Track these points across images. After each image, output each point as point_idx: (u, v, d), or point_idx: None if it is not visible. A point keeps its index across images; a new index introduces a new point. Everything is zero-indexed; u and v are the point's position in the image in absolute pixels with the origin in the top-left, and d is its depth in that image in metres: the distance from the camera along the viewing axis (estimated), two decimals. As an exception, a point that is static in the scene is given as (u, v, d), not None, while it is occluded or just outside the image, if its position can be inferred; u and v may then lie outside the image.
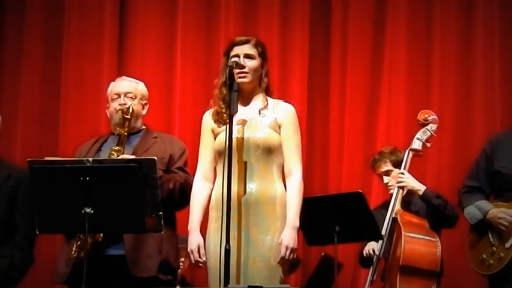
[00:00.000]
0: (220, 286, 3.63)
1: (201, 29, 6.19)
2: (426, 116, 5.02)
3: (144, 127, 4.45)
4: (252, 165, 3.87)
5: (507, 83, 5.80)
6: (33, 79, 6.17)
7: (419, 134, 4.98)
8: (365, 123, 6.01)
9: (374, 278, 4.83)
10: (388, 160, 5.06)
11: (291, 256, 3.79)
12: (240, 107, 3.89)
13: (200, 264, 3.90)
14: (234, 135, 3.82)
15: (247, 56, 3.94)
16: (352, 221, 4.49)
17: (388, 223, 4.82)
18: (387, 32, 6.06)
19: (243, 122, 3.91)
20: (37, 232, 3.75)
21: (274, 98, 4.03)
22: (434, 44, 5.96)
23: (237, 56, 3.94)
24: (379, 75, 6.04)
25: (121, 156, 4.13)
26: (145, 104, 4.46)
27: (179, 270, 5.10)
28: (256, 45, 3.99)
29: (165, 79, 6.13)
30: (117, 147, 4.22)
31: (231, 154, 3.73)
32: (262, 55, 4.00)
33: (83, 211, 3.53)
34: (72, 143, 5.28)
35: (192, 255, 3.88)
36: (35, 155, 5.07)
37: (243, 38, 4.02)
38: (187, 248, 3.93)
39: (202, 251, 3.86)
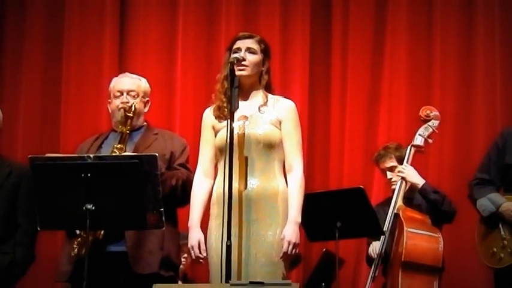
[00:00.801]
0: (221, 282, 3.62)
1: (202, 28, 6.18)
2: (428, 112, 5.01)
3: (145, 123, 4.44)
4: (253, 161, 3.87)
5: (507, 83, 5.78)
6: (34, 78, 6.16)
7: (421, 130, 4.98)
8: (366, 120, 5.99)
9: (376, 274, 4.82)
10: (393, 156, 5.05)
11: (293, 251, 3.79)
12: (240, 102, 3.87)
13: (201, 260, 3.89)
14: (235, 131, 3.81)
15: (249, 50, 3.93)
16: (353, 217, 4.47)
17: (390, 219, 4.81)
18: (388, 31, 6.04)
19: (244, 118, 3.90)
20: (38, 229, 3.74)
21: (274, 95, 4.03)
22: (434, 44, 5.94)
23: (239, 49, 3.93)
24: (380, 74, 6.03)
25: (123, 154, 4.12)
26: (147, 101, 4.45)
27: (181, 267, 5.11)
28: (259, 42, 3.99)
29: (166, 79, 6.12)
30: (119, 145, 4.20)
31: (232, 150, 3.72)
32: (265, 52, 3.99)
33: (84, 207, 3.53)
34: (73, 142, 5.27)
35: (192, 251, 3.88)
36: (36, 153, 5.04)
37: (248, 33, 4.02)
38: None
39: (202, 246, 3.86)
